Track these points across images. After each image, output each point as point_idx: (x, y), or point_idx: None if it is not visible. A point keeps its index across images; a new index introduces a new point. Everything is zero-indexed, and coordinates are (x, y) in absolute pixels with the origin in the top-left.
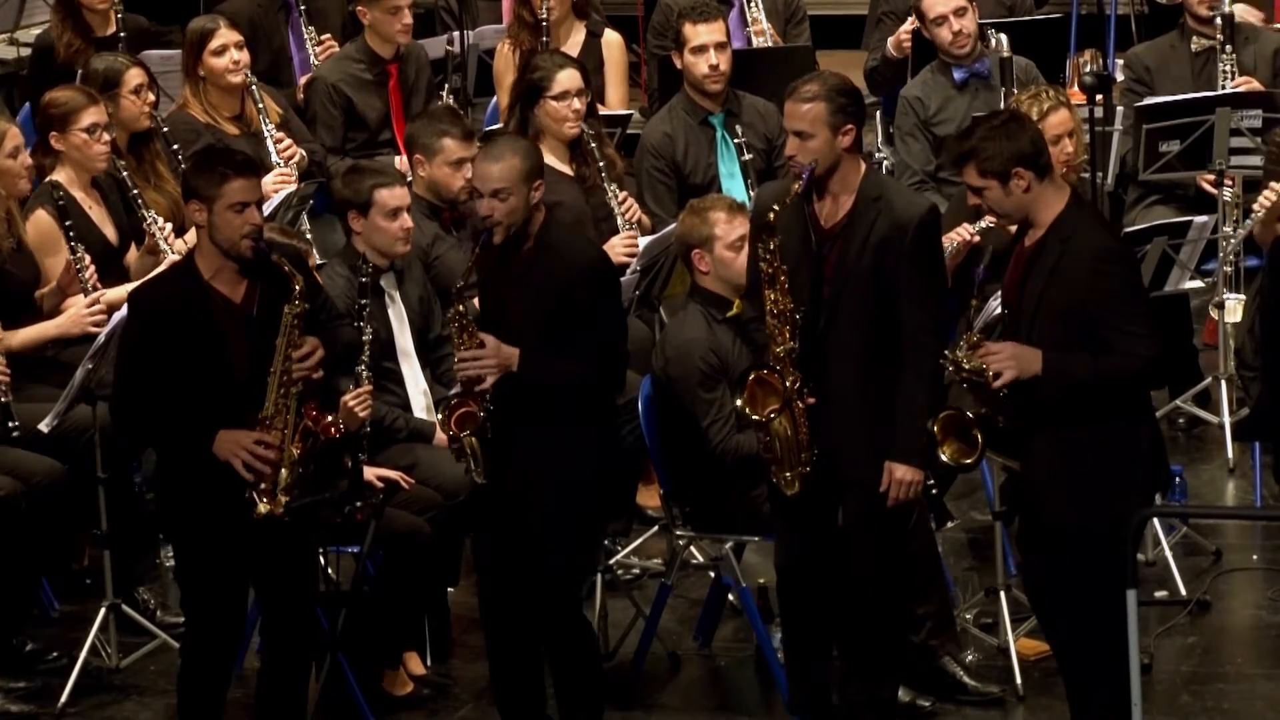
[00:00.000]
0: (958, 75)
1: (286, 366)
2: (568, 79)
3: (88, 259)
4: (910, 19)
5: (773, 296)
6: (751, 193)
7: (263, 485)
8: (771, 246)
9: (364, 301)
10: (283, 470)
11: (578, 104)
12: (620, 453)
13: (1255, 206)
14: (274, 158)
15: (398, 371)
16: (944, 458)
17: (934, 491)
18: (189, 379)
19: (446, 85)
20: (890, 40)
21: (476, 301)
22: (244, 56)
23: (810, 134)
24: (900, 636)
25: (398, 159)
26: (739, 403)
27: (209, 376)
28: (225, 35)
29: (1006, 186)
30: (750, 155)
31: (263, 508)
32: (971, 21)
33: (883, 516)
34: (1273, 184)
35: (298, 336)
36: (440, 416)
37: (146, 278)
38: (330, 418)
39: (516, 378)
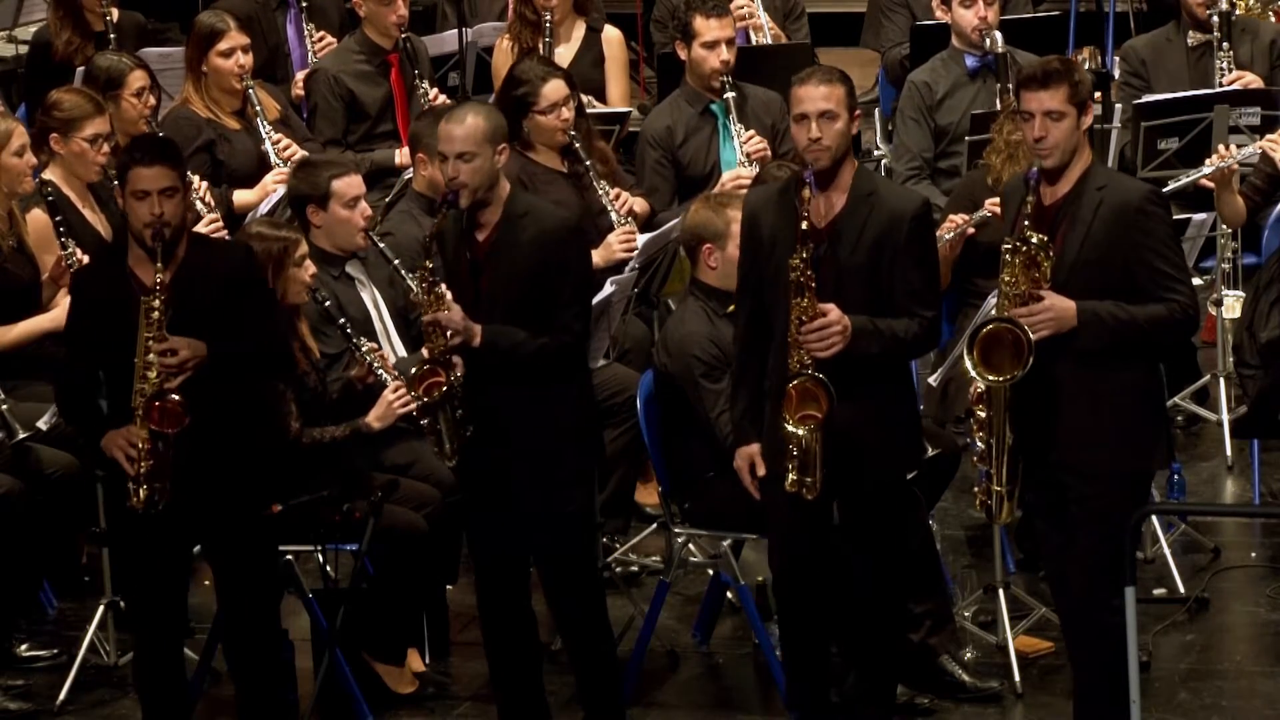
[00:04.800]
0: (970, 63)
1: (147, 360)
2: (553, 91)
3: (79, 253)
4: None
5: (802, 304)
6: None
7: (143, 481)
8: (805, 255)
9: (342, 320)
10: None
11: (566, 113)
12: (595, 404)
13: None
14: (272, 157)
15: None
16: (973, 373)
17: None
18: (107, 362)
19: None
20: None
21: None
22: (249, 60)
23: (837, 114)
24: (900, 632)
25: (398, 151)
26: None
27: (122, 360)
28: (234, 38)
29: (1081, 119)
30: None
31: (135, 500)
32: (996, 14)
33: (882, 514)
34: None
35: (156, 330)
36: (409, 377)
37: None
38: (177, 414)
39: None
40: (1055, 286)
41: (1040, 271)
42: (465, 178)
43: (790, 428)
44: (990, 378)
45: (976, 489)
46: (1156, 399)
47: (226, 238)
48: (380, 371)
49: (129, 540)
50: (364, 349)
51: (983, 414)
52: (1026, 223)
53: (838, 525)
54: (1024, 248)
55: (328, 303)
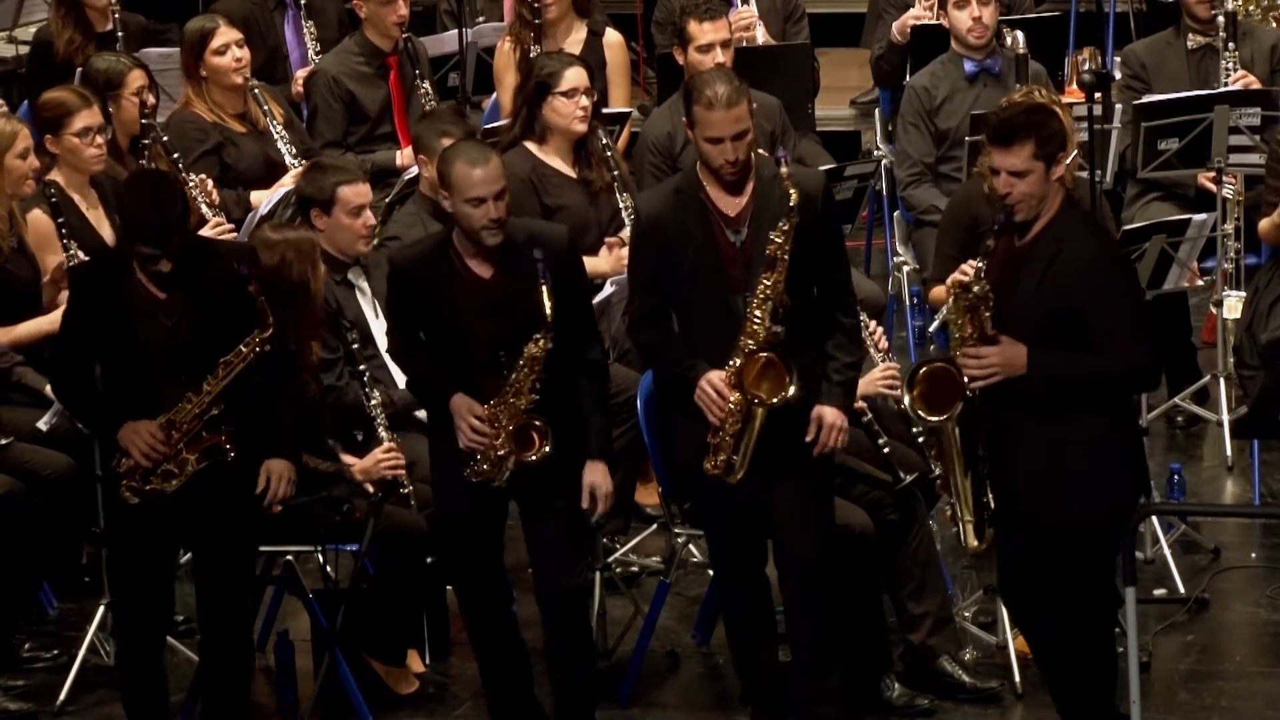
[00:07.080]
0: (969, 68)
1: (216, 400)
2: (575, 76)
3: (81, 255)
4: (920, 3)
5: (770, 280)
6: None
7: (137, 471)
8: (787, 227)
9: (352, 338)
10: (172, 469)
11: (585, 101)
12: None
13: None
14: (288, 158)
15: (379, 358)
16: (910, 410)
17: (907, 480)
18: (107, 356)
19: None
20: (896, 25)
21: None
22: (245, 54)
23: (748, 130)
24: (841, 622)
25: (398, 152)
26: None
27: (124, 358)
28: (225, 34)
29: (1050, 170)
30: None
31: (126, 492)
32: (992, 15)
33: (817, 502)
34: None
35: (241, 371)
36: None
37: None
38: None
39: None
40: (1013, 332)
41: (981, 319)
42: (503, 215)
43: (750, 394)
44: (926, 416)
45: (946, 512)
46: (1122, 448)
47: (235, 239)
48: (379, 426)
49: (125, 539)
50: (374, 406)
51: (933, 450)
52: (982, 267)
53: (768, 506)
54: (967, 295)
55: (345, 325)
